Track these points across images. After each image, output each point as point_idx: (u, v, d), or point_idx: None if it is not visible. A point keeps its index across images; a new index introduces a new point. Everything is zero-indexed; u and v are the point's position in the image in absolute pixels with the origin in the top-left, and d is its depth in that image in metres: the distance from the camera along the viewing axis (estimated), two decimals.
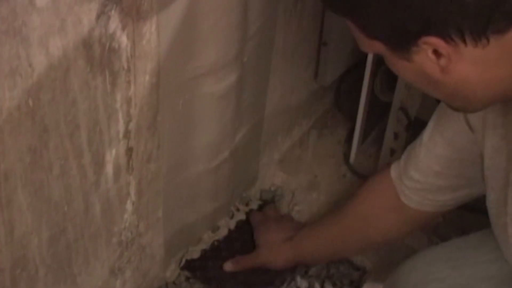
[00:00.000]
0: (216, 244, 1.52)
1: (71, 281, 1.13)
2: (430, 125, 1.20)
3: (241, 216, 1.58)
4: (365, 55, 1.54)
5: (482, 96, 0.94)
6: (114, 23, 0.93)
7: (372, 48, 0.94)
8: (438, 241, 1.55)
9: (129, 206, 1.18)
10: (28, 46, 0.82)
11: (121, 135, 1.06)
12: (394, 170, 1.28)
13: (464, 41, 0.85)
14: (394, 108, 1.58)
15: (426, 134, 1.20)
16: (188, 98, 1.21)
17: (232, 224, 1.56)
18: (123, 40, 0.96)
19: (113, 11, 0.91)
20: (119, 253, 1.22)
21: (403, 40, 0.88)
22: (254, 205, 1.62)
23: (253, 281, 1.46)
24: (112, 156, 1.07)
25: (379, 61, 1.50)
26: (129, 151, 1.10)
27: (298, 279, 1.45)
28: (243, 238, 1.54)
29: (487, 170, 1.08)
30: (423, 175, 1.21)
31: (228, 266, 1.47)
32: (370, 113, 1.65)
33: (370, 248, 1.49)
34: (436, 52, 0.88)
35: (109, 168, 1.08)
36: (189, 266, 1.47)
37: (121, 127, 1.06)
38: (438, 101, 1.16)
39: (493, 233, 1.12)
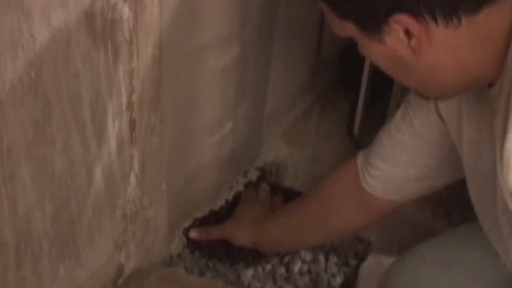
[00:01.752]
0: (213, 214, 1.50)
1: (76, 255, 1.13)
2: (398, 115, 1.18)
3: (240, 187, 1.56)
4: None
5: (455, 81, 0.93)
6: None
7: (345, 30, 0.93)
8: (442, 213, 1.55)
9: (132, 179, 1.17)
10: (30, 18, 0.81)
11: (124, 107, 1.06)
12: (360, 158, 1.26)
13: (436, 21, 0.84)
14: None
15: (394, 124, 1.18)
16: (191, 71, 1.20)
17: (230, 195, 1.54)
18: (125, 11, 0.95)
19: None
20: (123, 226, 1.22)
21: (375, 18, 0.88)
22: (253, 176, 1.60)
23: (259, 254, 1.45)
24: (115, 128, 1.06)
25: None
26: (132, 123, 1.10)
27: (302, 251, 1.45)
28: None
29: (465, 163, 1.07)
30: (390, 164, 1.20)
31: (194, 234, 1.45)
32: (373, 86, 1.65)
33: (330, 239, 1.45)
34: (407, 33, 0.87)
35: (112, 141, 1.07)
36: (194, 244, 1.46)
37: (124, 99, 1.05)
38: None
39: (481, 228, 1.11)
